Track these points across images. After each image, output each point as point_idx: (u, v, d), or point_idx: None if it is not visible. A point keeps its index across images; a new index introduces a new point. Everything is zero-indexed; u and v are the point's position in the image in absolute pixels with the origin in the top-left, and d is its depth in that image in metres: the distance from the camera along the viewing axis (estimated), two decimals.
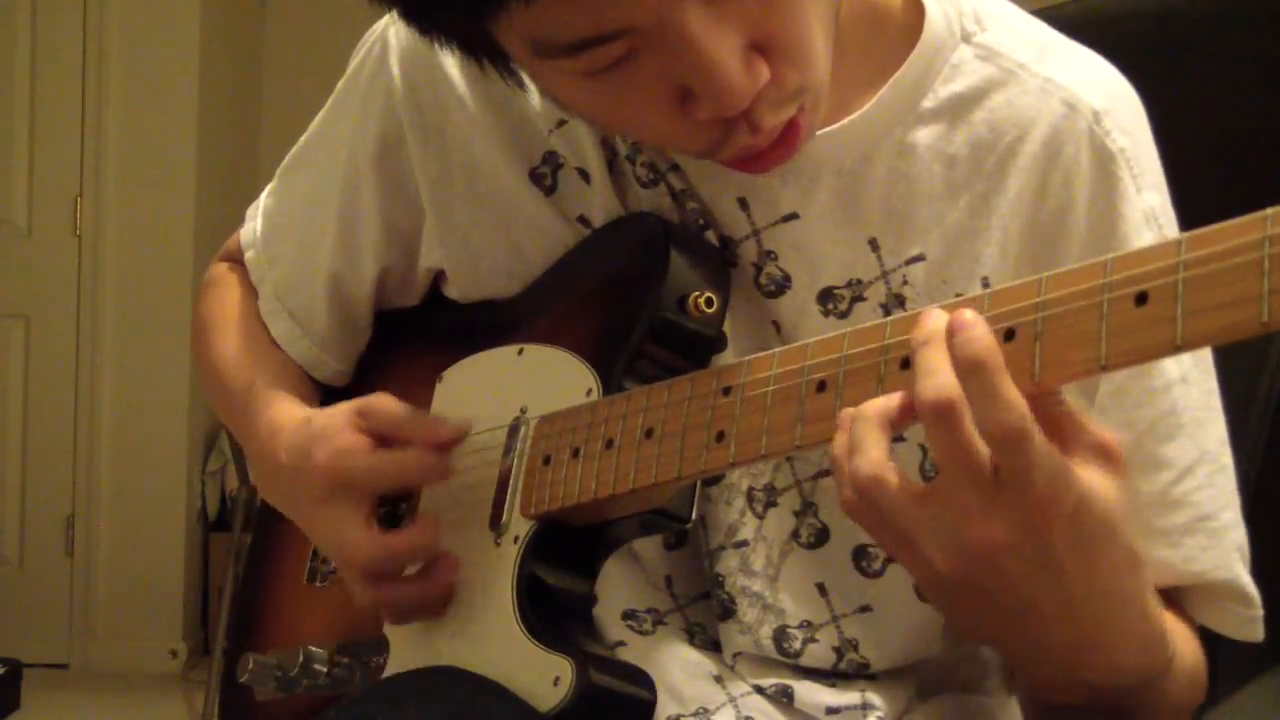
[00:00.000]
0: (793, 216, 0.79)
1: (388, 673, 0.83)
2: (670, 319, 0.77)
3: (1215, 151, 1.01)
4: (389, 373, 0.98)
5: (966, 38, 0.79)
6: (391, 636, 0.84)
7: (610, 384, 0.78)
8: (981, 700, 0.87)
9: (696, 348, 0.78)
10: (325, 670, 0.85)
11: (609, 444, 0.74)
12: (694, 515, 0.76)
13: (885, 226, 0.78)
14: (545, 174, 0.85)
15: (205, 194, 3.93)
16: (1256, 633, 0.76)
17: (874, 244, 0.78)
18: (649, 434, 0.72)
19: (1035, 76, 0.78)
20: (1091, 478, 0.57)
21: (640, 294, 0.78)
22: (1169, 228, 0.78)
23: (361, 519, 0.80)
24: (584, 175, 0.84)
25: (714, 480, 0.81)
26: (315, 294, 0.95)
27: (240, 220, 1.03)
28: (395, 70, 0.88)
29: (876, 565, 0.80)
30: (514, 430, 0.82)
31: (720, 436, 0.68)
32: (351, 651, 0.86)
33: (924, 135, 0.78)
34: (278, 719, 0.92)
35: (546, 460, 0.78)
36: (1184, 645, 0.73)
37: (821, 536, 0.81)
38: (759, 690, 0.81)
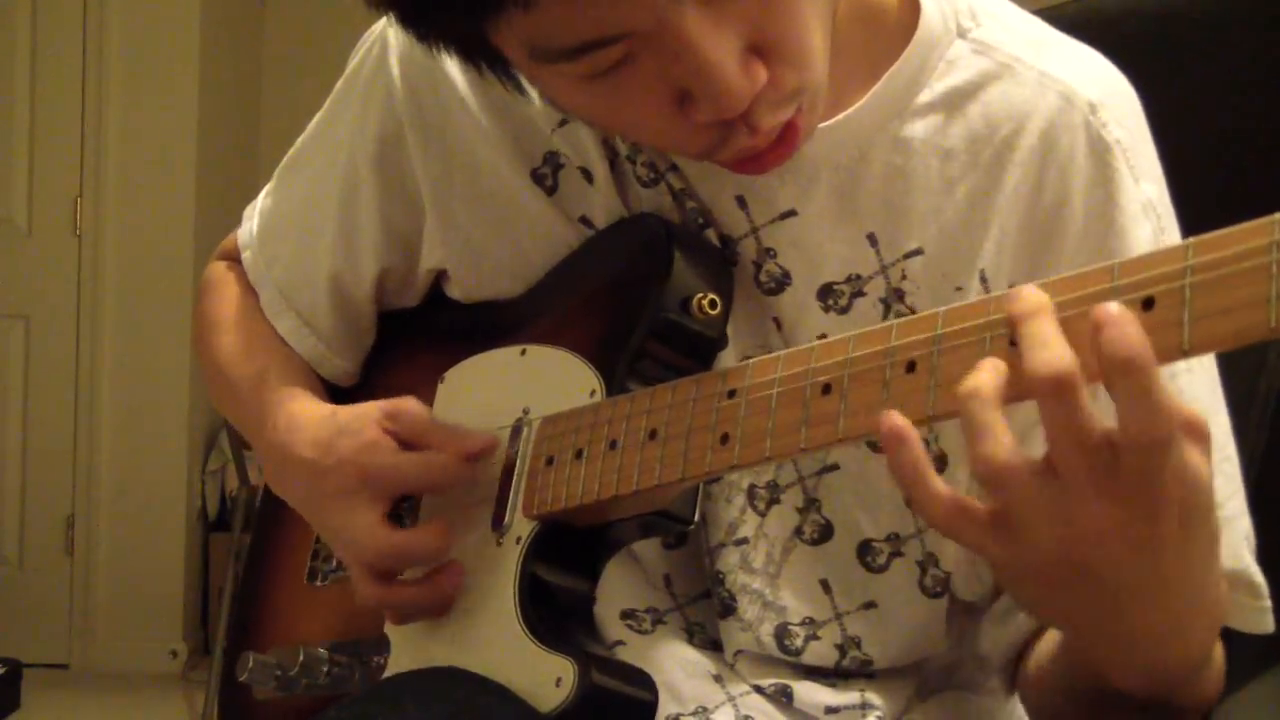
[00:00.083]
0: (791, 214, 0.79)
1: (388, 673, 0.83)
2: (673, 320, 0.77)
3: (1215, 151, 1.01)
4: (392, 373, 0.98)
5: (962, 33, 0.79)
6: (392, 636, 0.84)
7: (613, 385, 0.78)
8: (982, 700, 0.87)
9: (699, 349, 0.78)
10: (325, 670, 0.85)
11: (612, 445, 0.74)
12: (697, 516, 0.76)
13: (883, 221, 0.78)
14: (546, 174, 0.85)
15: (205, 194, 3.92)
16: (1266, 624, 0.75)
17: (872, 239, 0.79)
18: (653, 435, 0.72)
19: (1031, 70, 0.78)
20: (1196, 459, 0.55)
21: (643, 295, 0.78)
22: (1167, 219, 0.78)
23: (376, 516, 0.80)
24: (587, 175, 0.84)
25: (714, 478, 0.81)
26: (317, 294, 0.95)
27: (239, 221, 1.03)
28: (395, 71, 0.88)
29: (881, 560, 0.80)
30: (517, 431, 0.82)
31: (725, 439, 0.68)
32: (351, 651, 0.86)
33: (920, 130, 0.78)
34: (278, 719, 0.92)
35: (549, 461, 0.78)
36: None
37: (825, 533, 0.81)
38: (758, 690, 0.81)
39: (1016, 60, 0.78)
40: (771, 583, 0.81)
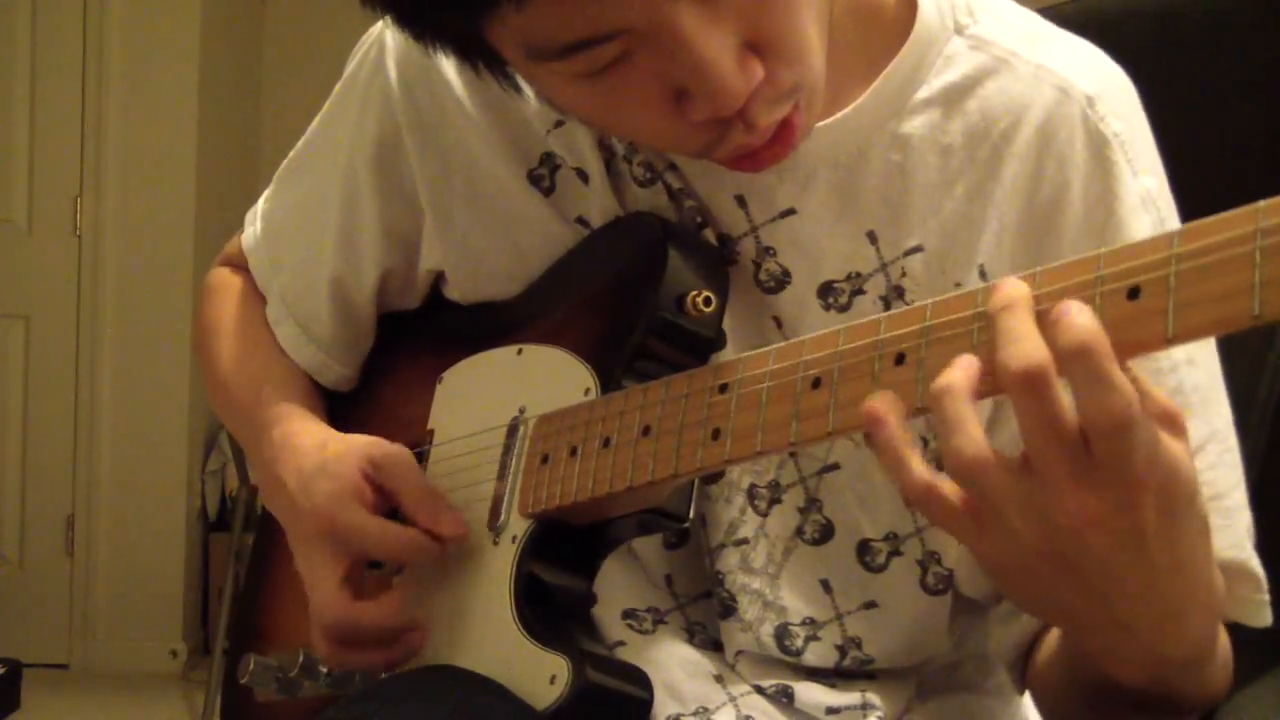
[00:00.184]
0: (790, 212, 0.79)
1: (386, 673, 0.83)
2: (669, 318, 0.77)
3: (1215, 151, 1.01)
4: (391, 375, 0.98)
5: (959, 29, 0.79)
6: None
7: (609, 384, 0.78)
8: (982, 700, 0.87)
9: (696, 347, 0.78)
10: (325, 671, 0.85)
11: (606, 442, 0.74)
12: (692, 514, 0.76)
13: (883, 219, 0.78)
14: (543, 175, 0.85)
15: (205, 194, 3.93)
16: (1265, 617, 0.75)
17: (872, 236, 0.78)
18: (646, 432, 0.72)
19: (1028, 64, 0.78)
20: (1174, 447, 0.55)
21: (639, 294, 0.78)
22: (1167, 210, 0.78)
23: (336, 578, 0.81)
24: (582, 176, 0.84)
25: (714, 478, 0.81)
26: (319, 299, 0.95)
27: (240, 221, 1.03)
28: (392, 73, 0.88)
29: (880, 560, 0.80)
30: (513, 430, 0.82)
31: (716, 434, 0.68)
32: None
33: (918, 126, 0.78)
34: (280, 718, 0.92)
35: (545, 459, 0.78)
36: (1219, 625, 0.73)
37: (826, 533, 0.81)
38: (759, 690, 0.81)
39: (1013, 55, 0.78)
40: (772, 583, 0.81)
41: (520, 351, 0.86)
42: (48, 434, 3.89)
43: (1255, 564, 0.75)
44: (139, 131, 3.86)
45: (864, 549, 0.80)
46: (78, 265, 3.88)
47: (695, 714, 0.79)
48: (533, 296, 0.88)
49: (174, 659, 3.87)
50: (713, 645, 0.84)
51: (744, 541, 0.81)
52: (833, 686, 0.82)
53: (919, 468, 0.56)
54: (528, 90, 0.78)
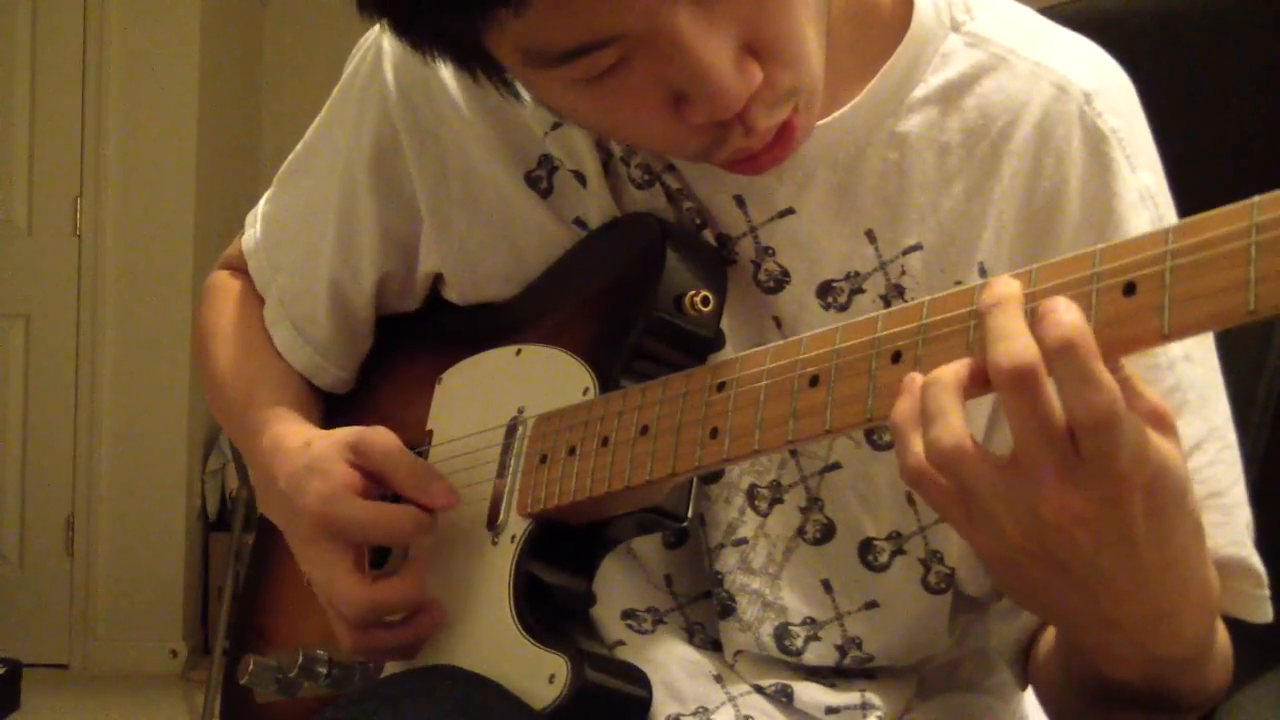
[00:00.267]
0: (789, 212, 0.79)
1: (386, 673, 0.83)
2: (666, 319, 0.77)
3: (1215, 151, 1.01)
4: (389, 376, 0.98)
5: (956, 27, 0.79)
6: None
7: (608, 384, 0.78)
8: (983, 699, 0.87)
9: (694, 347, 0.78)
10: (325, 671, 0.85)
11: (604, 442, 0.74)
12: (690, 513, 0.76)
13: (881, 218, 0.78)
14: (541, 177, 0.85)
15: (205, 194, 3.93)
16: (1265, 612, 0.74)
17: (871, 235, 0.78)
18: (644, 431, 0.72)
19: (1025, 61, 0.78)
20: (1163, 446, 0.55)
21: (637, 294, 0.78)
22: (1165, 206, 0.78)
23: (349, 565, 0.81)
24: (579, 178, 0.84)
25: (713, 478, 0.81)
26: (317, 301, 0.95)
27: (240, 221, 1.03)
28: (390, 76, 0.88)
29: (882, 559, 0.80)
30: (511, 430, 0.82)
31: (714, 433, 0.68)
32: None
33: (916, 124, 0.78)
34: (279, 718, 0.92)
35: (543, 459, 0.78)
36: (1217, 623, 0.72)
37: (827, 532, 0.81)
38: (758, 690, 0.81)
39: (1010, 52, 0.78)
40: (772, 583, 0.81)
41: (519, 352, 0.86)
42: (48, 434, 3.89)
43: (1255, 560, 0.75)
44: (139, 131, 3.86)
45: (866, 548, 0.80)
46: (78, 265, 3.88)
47: (695, 714, 0.79)
48: (531, 297, 0.88)
49: (174, 659, 3.87)
50: (712, 645, 0.84)
51: (743, 542, 0.81)
52: (832, 686, 0.82)
53: (917, 448, 0.56)
54: (526, 96, 0.78)
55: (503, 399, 0.84)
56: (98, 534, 3.90)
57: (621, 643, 0.82)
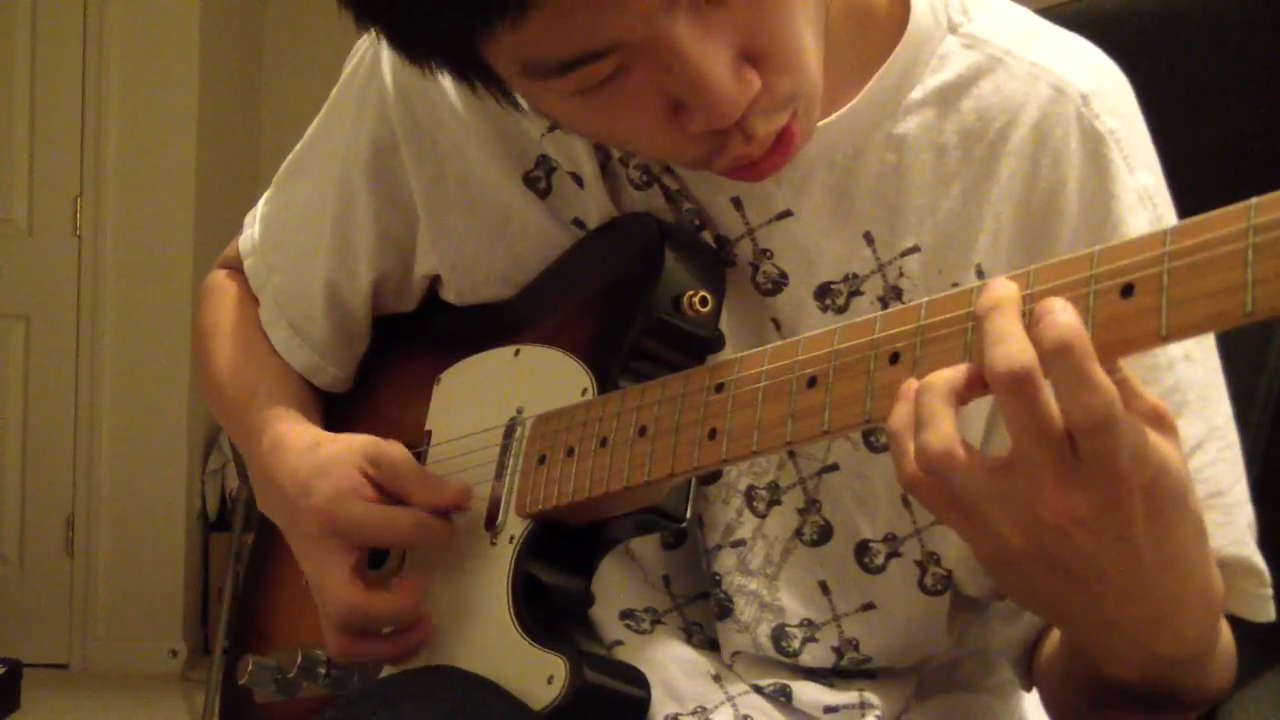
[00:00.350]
0: (787, 214, 0.79)
1: (385, 673, 0.83)
2: (665, 319, 0.77)
3: (1215, 151, 1.01)
4: (388, 376, 0.98)
5: (953, 28, 0.79)
6: None
7: (606, 384, 0.78)
8: (982, 699, 0.87)
9: (692, 347, 0.78)
10: (324, 672, 0.85)
11: (603, 442, 0.74)
12: (689, 514, 0.76)
13: (879, 219, 0.78)
14: (539, 178, 0.85)
15: (205, 194, 3.93)
16: (1268, 611, 0.74)
17: (869, 237, 0.78)
18: (642, 432, 0.72)
19: (1022, 62, 0.78)
20: (1162, 446, 0.55)
21: (636, 294, 0.78)
22: (1164, 207, 0.78)
23: (346, 569, 0.81)
24: (577, 179, 0.84)
25: (712, 479, 0.81)
26: (313, 301, 0.95)
27: (240, 221, 1.03)
28: (388, 78, 0.88)
29: (879, 561, 0.80)
30: (510, 430, 0.82)
31: (713, 433, 0.68)
32: None
33: (913, 126, 0.78)
34: (279, 718, 0.92)
35: (542, 460, 0.78)
36: (1220, 622, 0.72)
37: (824, 534, 0.81)
38: (757, 689, 0.81)
39: (1008, 53, 0.78)
40: (769, 584, 0.81)
41: (517, 352, 0.86)
42: (48, 434, 3.89)
43: (1258, 559, 0.75)
44: (139, 131, 3.86)
45: (862, 550, 0.80)
46: (78, 265, 3.88)
47: (693, 713, 0.79)
48: (530, 298, 0.88)
49: (174, 659, 3.87)
50: (711, 645, 0.84)
51: (741, 543, 0.81)
52: (831, 685, 0.82)
53: (912, 454, 0.56)
54: (525, 104, 0.78)
55: (501, 399, 0.84)
56: (98, 534, 3.90)
57: (620, 643, 0.82)
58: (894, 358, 0.60)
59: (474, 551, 0.81)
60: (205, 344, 1.01)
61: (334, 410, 0.98)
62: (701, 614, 0.84)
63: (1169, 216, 0.78)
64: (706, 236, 0.81)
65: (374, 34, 0.70)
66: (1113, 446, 0.52)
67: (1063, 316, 0.52)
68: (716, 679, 0.82)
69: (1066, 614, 0.62)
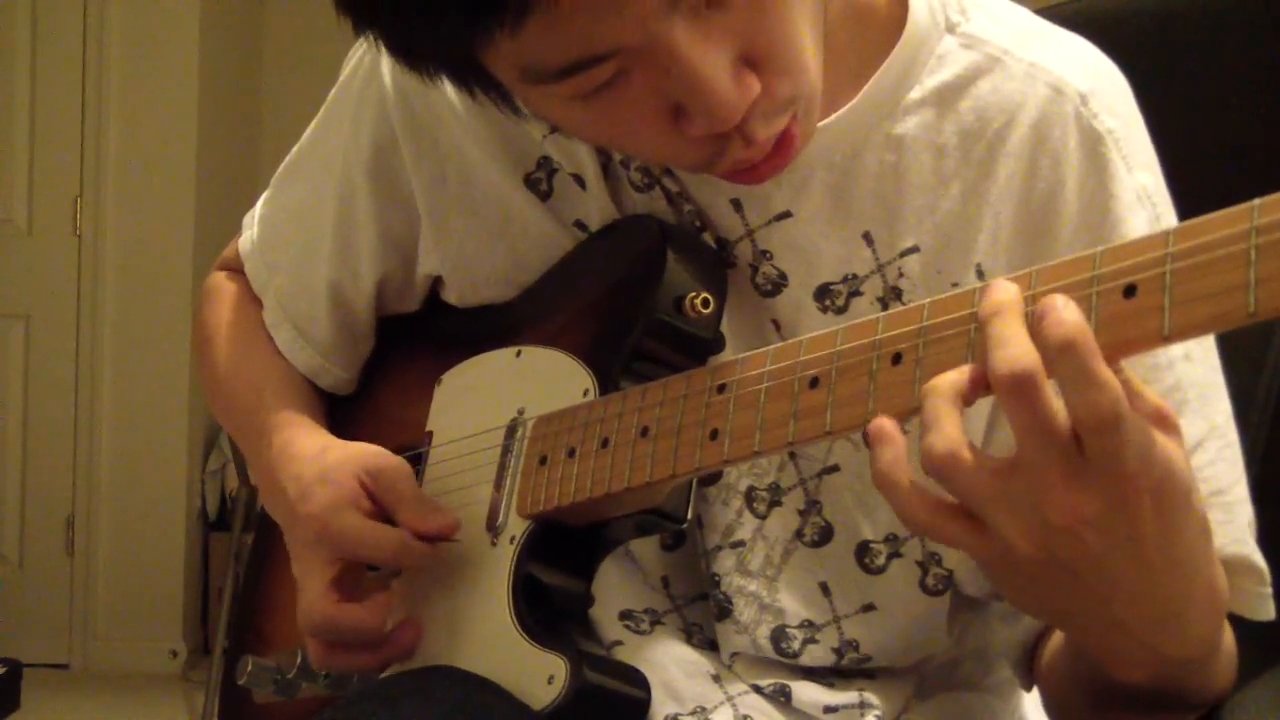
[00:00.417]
0: (786, 215, 0.79)
1: (385, 673, 0.83)
2: (667, 320, 0.77)
3: (1215, 151, 1.01)
4: (389, 377, 0.98)
5: (951, 28, 0.79)
6: None
7: (608, 385, 0.78)
8: (982, 698, 0.87)
9: (694, 348, 0.78)
10: (323, 672, 0.85)
11: (604, 443, 0.74)
12: (689, 516, 0.76)
13: (878, 220, 0.78)
14: (540, 179, 0.85)
15: (205, 194, 3.93)
16: (1267, 610, 0.74)
17: (868, 238, 0.78)
18: (644, 432, 0.72)
19: (1020, 62, 0.78)
20: (1168, 446, 0.55)
21: (637, 295, 0.78)
22: (1163, 206, 0.78)
23: (325, 581, 0.81)
24: (579, 181, 0.84)
25: (711, 480, 0.81)
26: (316, 303, 0.95)
27: (240, 222, 1.03)
28: (387, 78, 0.88)
29: (879, 562, 0.80)
30: (511, 431, 0.82)
31: (714, 434, 0.68)
32: None
33: (912, 127, 0.78)
34: (279, 718, 0.92)
35: (543, 460, 0.78)
36: (1223, 622, 0.72)
37: (825, 534, 0.81)
38: (757, 689, 0.81)
39: (1006, 53, 0.78)
40: (770, 585, 0.81)
41: (519, 353, 0.86)
42: (48, 434, 3.89)
43: (1257, 557, 0.75)
44: (139, 131, 3.86)
45: (863, 551, 0.80)
46: (78, 265, 3.88)
47: (693, 713, 0.79)
48: (531, 299, 0.88)
49: (174, 659, 3.87)
50: (710, 646, 0.84)
51: (740, 544, 0.81)
52: (830, 685, 0.82)
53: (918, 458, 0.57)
54: (525, 109, 0.78)
55: (502, 400, 0.84)
56: (98, 534, 3.90)
57: (619, 643, 0.82)
58: (896, 358, 0.60)
59: (474, 552, 0.81)
60: (207, 345, 1.01)
61: (335, 410, 0.98)
62: (701, 615, 0.84)
63: (1168, 215, 0.78)
64: (707, 238, 0.81)
65: (373, 39, 0.69)
66: (1120, 445, 0.52)
67: (1066, 314, 0.52)
68: (716, 679, 0.82)
69: (1072, 616, 0.62)
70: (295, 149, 0.98)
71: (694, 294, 0.77)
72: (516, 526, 0.79)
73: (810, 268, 0.79)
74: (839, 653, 0.81)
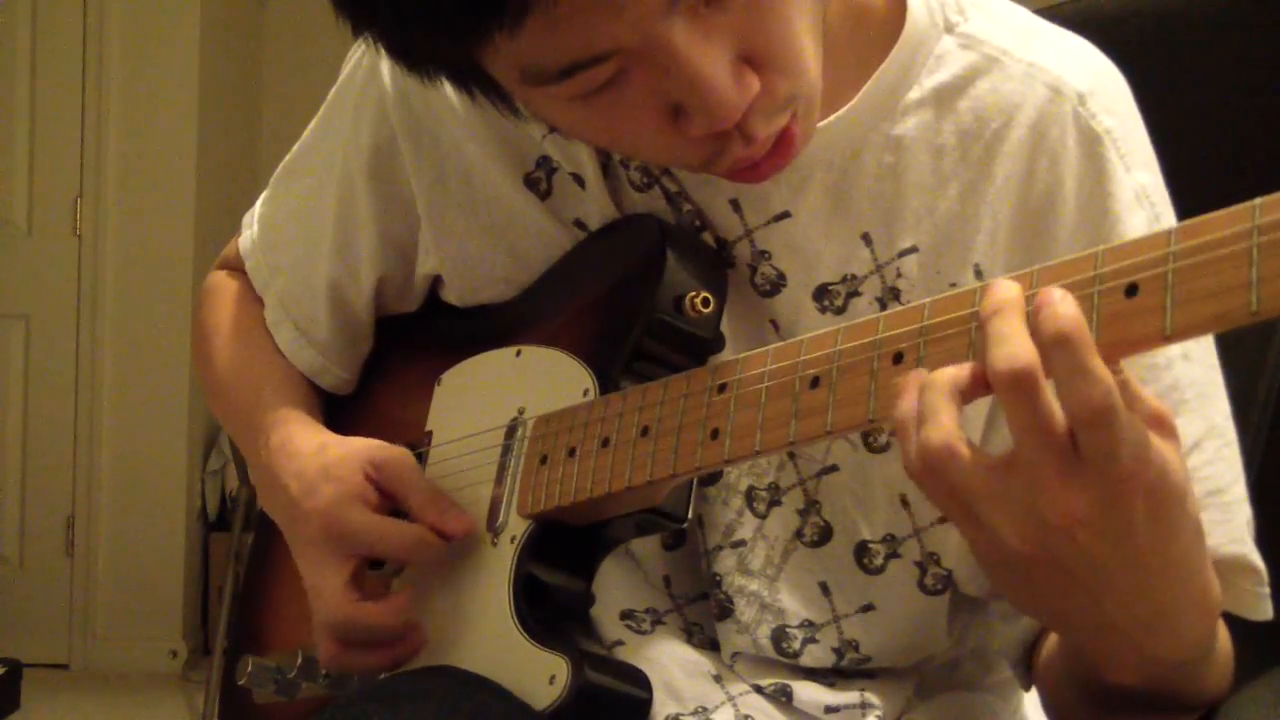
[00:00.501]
0: (785, 215, 0.79)
1: (385, 674, 0.83)
2: (666, 320, 0.77)
3: (1215, 151, 1.01)
4: (389, 377, 0.98)
5: (949, 28, 0.79)
6: None
7: (608, 385, 0.78)
8: (983, 698, 0.87)
9: (694, 348, 0.78)
10: (324, 672, 0.85)
11: (605, 443, 0.74)
12: (690, 515, 0.76)
13: (877, 220, 0.78)
14: (540, 178, 0.85)
15: (205, 194, 3.93)
16: (1265, 610, 0.74)
17: (867, 238, 0.78)
18: (645, 432, 0.72)
19: (1019, 62, 0.78)
20: (1164, 448, 0.55)
21: (637, 295, 0.78)
22: (1162, 205, 0.78)
23: (343, 577, 0.81)
24: (578, 180, 0.84)
25: (712, 480, 0.81)
26: (317, 303, 0.95)
27: (240, 222, 1.03)
28: (387, 78, 0.88)
29: (878, 562, 0.80)
30: (511, 431, 0.82)
31: (715, 433, 0.68)
32: None
33: (911, 127, 0.78)
34: (279, 718, 0.92)
35: (543, 460, 0.78)
36: (1218, 626, 0.72)
37: (824, 534, 0.81)
38: (758, 689, 0.81)
39: (1004, 53, 0.78)
40: (770, 585, 0.81)
41: (519, 353, 0.86)
42: (48, 434, 3.89)
43: (1255, 557, 0.75)
44: (139, 131, 3.86)
45: (862, 551, 0.80)
46: (78, 265, 3.88)
47: (694, 713, 0.79)
48: (531, 298, 0.88)
49: (174, 659, 3.87)
50: (711, 645, 0.84)
51: (741, 544, 0.81)
52: (831, 685, 0.82)
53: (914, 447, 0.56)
54: (525, 110, 0.78)
55: (503, 400, 0.84)
56: (98, 534, 3.90)
57: (620, 643, 0.82)
58: (897, 357, 0.61)
59: (475, 552, 0.81)
60: (207, 344, 1.01)
61: (335, 410, 0.98)
62: (701, 614, 0.84)
63: (1167, 215, 0.78)
64: (707, 238, 0.81)
65: (372, 40, 0.69)
66: (1113, 442, 0.52)
67: (1062, 307, 0.52)
68: (717, 679, 0.82)
69: (1065, 616, 0.62)
70: (295, 149, 0.98)
71: (694, 293, 0.77)
72: (517, 526, 0.79)
73: (809, 268, 0.79)
74: (839, 653, 0.81)
